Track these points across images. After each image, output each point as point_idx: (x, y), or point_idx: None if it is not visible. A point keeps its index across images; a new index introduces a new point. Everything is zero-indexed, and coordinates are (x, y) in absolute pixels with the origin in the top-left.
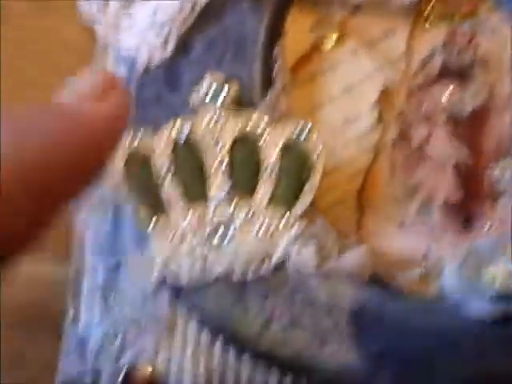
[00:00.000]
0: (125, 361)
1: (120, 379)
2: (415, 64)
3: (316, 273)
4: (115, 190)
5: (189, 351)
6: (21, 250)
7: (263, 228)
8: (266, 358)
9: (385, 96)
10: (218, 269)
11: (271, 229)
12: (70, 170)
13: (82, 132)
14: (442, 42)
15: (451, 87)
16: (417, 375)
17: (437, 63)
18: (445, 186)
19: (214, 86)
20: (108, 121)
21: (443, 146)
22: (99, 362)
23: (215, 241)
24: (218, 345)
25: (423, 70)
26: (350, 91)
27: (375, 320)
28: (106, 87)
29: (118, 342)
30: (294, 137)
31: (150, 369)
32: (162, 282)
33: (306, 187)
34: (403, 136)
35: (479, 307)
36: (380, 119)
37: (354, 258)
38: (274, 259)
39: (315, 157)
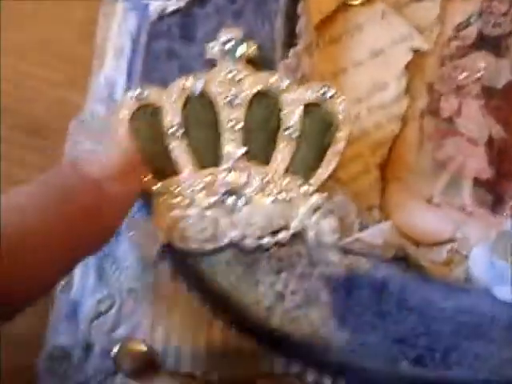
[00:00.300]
0: (119, 334)
1: (113, 353)
2: (448, 31)
3: (336, 247)
4: None
5: (189, 327)
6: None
7: (281, 194)
8: (274, 338)
9: (415, 63)
10: (231, 233)
11: (289, 196)
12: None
13: (107, 208)
14: (479, 10)
15: (486, 58)
16: (441, 360)
17: (472, 32)
18: (476, 162)
19: (232, 41)
20: (128, 200)
21: (475, 120)
22: (91, 334)
23: (228, 204)
24: (221, 321)
25: (457, 37)
26: (378, 56)
27: (398, 301)
28: (127, 165)
29: (112, 313)
30: (318, 99)
31: (146, 343)
32: (166, 250)
33: (329, 154)
34: (433, 106)
35: (508, 291)
36: (408, 88)
37: (377, 233)
38: (292, 227)
39: (340, 122)
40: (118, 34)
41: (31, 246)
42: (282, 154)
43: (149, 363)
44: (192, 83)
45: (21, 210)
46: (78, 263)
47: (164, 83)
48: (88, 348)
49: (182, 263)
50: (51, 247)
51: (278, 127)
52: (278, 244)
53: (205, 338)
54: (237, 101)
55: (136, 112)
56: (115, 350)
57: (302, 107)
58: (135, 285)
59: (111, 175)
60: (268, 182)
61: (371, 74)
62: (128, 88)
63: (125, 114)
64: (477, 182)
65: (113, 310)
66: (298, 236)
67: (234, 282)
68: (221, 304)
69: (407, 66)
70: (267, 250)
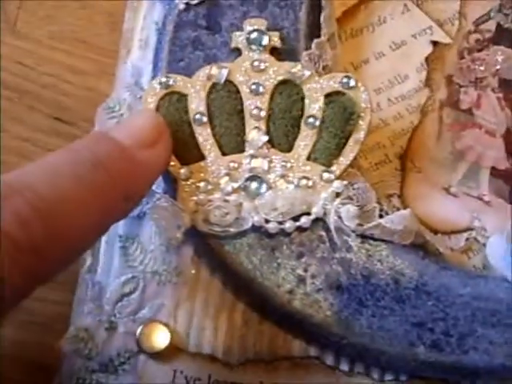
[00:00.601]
0: (143, 315)
1: (136, 334)
2: (468, 24)
3: (355, 233)
4: None
5: (211, 309)
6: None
7: (302, 181)
8: (295, 321)
9: (435, 56)
10: (254, 218)
11: (310, 182)
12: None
13: (136, 175)
14: (498, 4)
15: (504, 51)
16: (457, 345)
17: (491, 26)
18: (493, 154)
19: (256, 31)
20: (157, 167)
21: (493, 112)
22: (115, 315)
23: (251, 189)
24: (242, 304)
25: (476, 31)
26: (399, 48)
27: (416, 287)
28: (155, 133)
29: (136, 295)
30: (340, 88)
31: (168, 325)
32: (189, 233)
33: (350, 143)
34: (452, 98)
35: None
36: (428, 80)
37: (398, 219)
38: (313, 212)
39: (361, 111)
40: (143, 25)
41: (64, 212)
42: (305, 141)
43: (171, 345)
44: (216, 72)
45: (56, 175)
46: (106, 230)
47: (189, 72)
48: (112, 329)
49: (206, 246)
50: (82, 213)
51: (301, 115)
52: (300, 229)
53: (226, 320)
54: (261, 89)
55: (162, 99)
56: (138, 331)
57: (324, 96)
58: (159, 267)
59: (140, 142)
60: (290, 169)
61: (392, 66)
62: (154, 77)
63: (151, 101)
64: (494, 173)
65: (137, 292)
66: (319, 221)
67: (256, 265)
68: (242, 287)
69: (427, 59)
70: (289, 234)
